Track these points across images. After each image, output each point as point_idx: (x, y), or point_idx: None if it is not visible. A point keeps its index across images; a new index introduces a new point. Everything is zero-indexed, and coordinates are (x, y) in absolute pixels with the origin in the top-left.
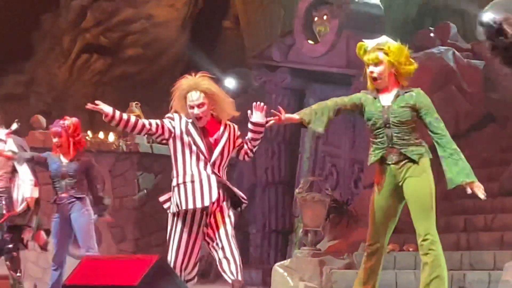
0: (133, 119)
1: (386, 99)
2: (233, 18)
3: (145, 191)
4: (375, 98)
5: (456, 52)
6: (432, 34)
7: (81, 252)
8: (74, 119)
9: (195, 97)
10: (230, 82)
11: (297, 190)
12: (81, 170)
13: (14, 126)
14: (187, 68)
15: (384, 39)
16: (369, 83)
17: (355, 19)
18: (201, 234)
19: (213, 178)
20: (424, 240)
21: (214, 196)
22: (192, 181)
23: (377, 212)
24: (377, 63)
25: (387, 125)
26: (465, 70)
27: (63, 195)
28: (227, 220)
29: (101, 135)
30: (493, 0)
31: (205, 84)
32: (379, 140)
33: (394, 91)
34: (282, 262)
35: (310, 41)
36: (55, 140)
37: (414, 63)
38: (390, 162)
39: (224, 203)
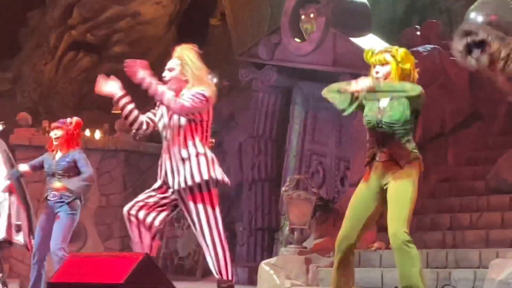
0: (132, 115)
1: (385, 101)
2: (220, 15)
3: (131, 189)
4: (375, 99)
5: (442, 50)
6: (418, 33)
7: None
8: (77, 118)
9: (170, 62)
10: (216, 80)
11: (283, 188)
12: (71, 165)
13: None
14: None
15: (372, 37)
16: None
17: (342, 18)
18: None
19: (162, 166)
20: (395, 238)
21: (157, 184)
22: (160, 164)
23: (357, 207)
24: (383, 64)
25: (379, 126)
26: (452, 68)
27: (54, 193)
28: (200, 207)
29: (87, 132)
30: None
31: (182, 52)
32: (371, 139)
33: None
34: (268, 260)
35: (297, 39)
36: (52, 133)
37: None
38: (379, 160)
39: (195, 186)
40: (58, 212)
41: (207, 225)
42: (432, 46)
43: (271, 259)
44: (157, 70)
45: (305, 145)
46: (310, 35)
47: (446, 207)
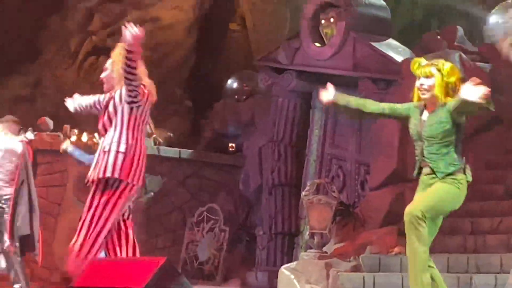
0: None
1: (426, 114)
2: (239, 20)
3: (151, 193)
4: (420, 111)
5: (462, 54)
6: (438, 37)
7: None
8: None
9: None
10: (236, 85)
11: (303, 193)
12: None
13: (31, 135)
14: (193, 70)
15: (391, 41)
16: (415, 97)
17: (362, 22)
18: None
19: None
20: (408, 214)
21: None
22: None
23: None
24: (428, 76)
25: (421, 139)
26: (472, 72)
27: None
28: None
29: None
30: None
31: (114, 51)
32: (416, 152)
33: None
34: (288, 264)
35: (317, 44)
36: None
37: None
38: (424, 174)
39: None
40: None
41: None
42: (452, 50)
43: (291, 263)
44: (177, 74)
45: (325, 150)
46: (330, 39)
47: (467, 211)
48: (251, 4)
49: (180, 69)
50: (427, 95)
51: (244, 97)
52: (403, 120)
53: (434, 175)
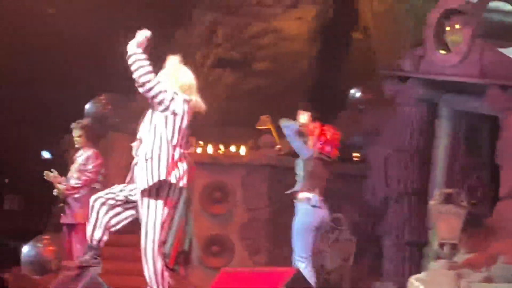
0: None
1: None
2: (362, 29)
3: (278, 204)
4: None
5: None
6: None
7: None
8: None
9: None
10: (360, 94)
11: (431, 202)
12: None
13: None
14: (316, 80)
15: None
16: None
17: (489, 28)
18: None
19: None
20: None
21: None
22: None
23: None
24: None
25: None
26: None
27: None
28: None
29: (232, 148)
30: None
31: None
32: None
33: None
34: (418, 275)
35: (441, 51)
36: None
37: None
38: None
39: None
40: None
41: (144, 231)
42: None
43: (421, 274)
44: (301, 84)
45: (456, 158)
46: (456, 46)
47: None
48: (373, 13)
49: (304, 79)
50: None
51: (368, 106)
52: None
53: None
